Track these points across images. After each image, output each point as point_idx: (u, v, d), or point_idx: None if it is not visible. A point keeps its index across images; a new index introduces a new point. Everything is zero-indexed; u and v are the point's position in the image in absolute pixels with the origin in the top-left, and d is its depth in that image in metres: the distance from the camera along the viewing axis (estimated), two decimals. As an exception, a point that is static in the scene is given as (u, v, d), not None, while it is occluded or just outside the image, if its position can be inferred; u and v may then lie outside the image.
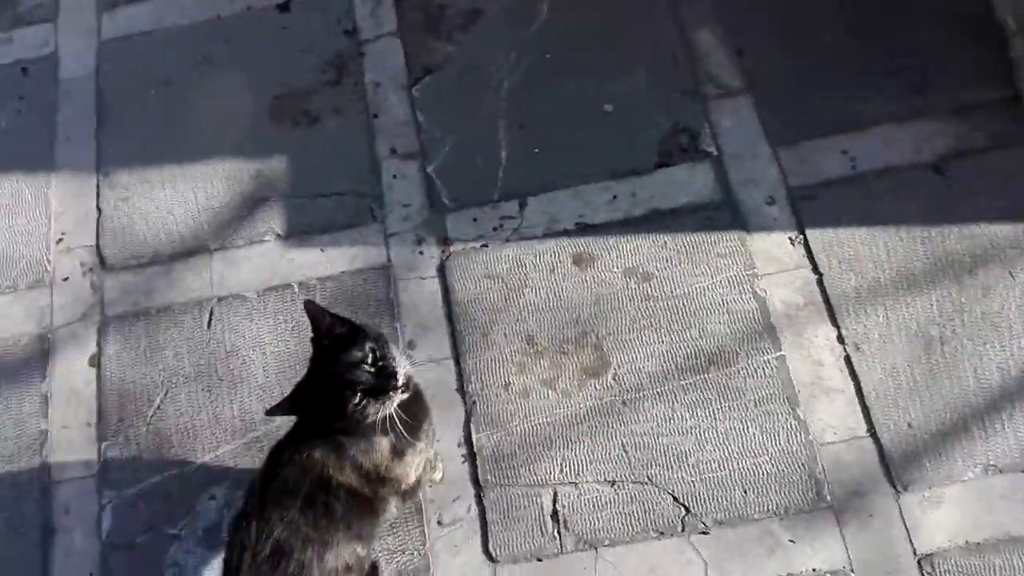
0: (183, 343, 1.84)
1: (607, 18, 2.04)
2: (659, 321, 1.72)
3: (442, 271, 1.84)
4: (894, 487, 1.53)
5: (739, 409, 1.63)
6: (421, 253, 1.86)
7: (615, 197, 1.84)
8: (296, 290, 1.87)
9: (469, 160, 1.92)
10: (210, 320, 1.86)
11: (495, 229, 1.85)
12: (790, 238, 1.76)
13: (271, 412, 1.29)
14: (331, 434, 1.28)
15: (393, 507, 1.41)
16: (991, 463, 1.53)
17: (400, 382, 1.24)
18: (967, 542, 1.48)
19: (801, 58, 1.92)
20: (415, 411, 1.34)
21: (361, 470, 1.32)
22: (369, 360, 1.24)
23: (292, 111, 2.04)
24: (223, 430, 1.75)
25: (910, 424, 1.57)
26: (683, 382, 1.66)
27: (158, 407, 1.79)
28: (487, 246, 1.84)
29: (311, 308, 1.29)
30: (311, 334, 1.29)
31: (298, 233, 1.92)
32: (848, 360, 1.64)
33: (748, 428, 1.61)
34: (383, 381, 1.23)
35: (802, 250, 1.74)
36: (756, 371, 1.65)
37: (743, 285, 1.72)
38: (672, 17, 2.01)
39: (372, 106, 2.02)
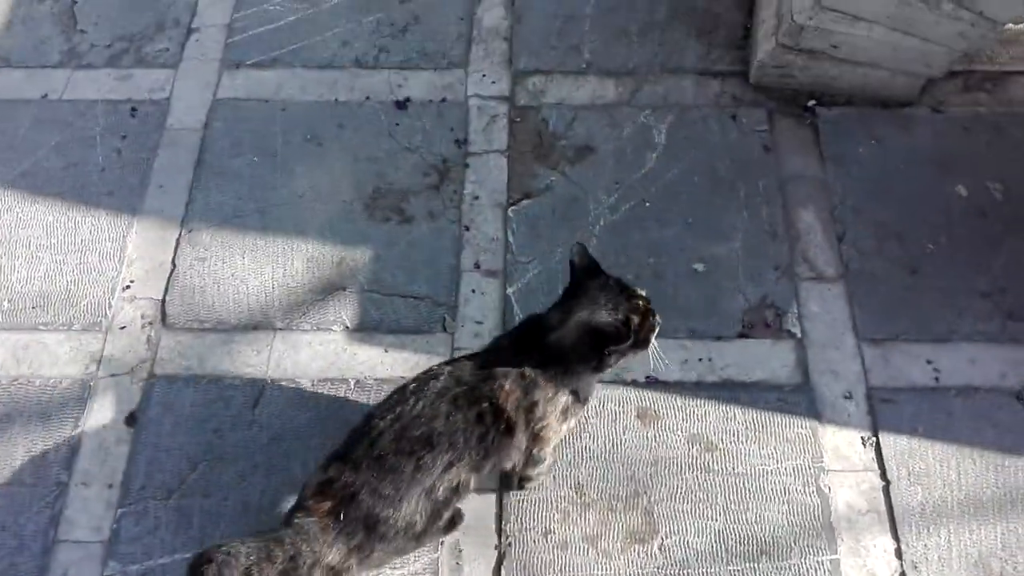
0: (227, 419, 2.06)
1: (714, 180, 2.37)
2: (716, 497, 1.93)
3: (504, 398, 2.10)
4: None
5: (786, 607, 1.82)
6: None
7: (690, 359, 2.11)
8: (351, 386, 2.13)
9: (551, 289, 2.19)
10: (258, 400, 2.10)
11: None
12: (862, 438, 1.99)
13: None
14: (530, 364, 1.63)
15: (513, 463, 1.74)
16: None
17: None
18: None
19: (902, 258, 2.20)
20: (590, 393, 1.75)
21: (531, 416, 1.65)
22: (633, 321, 1.61)
23: (387, 206, 2.38)
24: (248, 521, 1.93)
25: (960, 660, 1.75)
26: (732, 568, 1.85)
27: (186, 483, 1.98)
28: (554, 382, 2.11)
29: (580, 249, 1.71)
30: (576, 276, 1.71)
31: (366, 328, 2.19)
32: (904, 577, 1.84)
33: (793, 629, 1.80)
34: (641, 343, 1.64)
35: (873, 453, 1.97)
36: (809, 571, 1.84)
37: (808, 477, 1.94)
38: (778, 191, 2.34)
39: (466, 218, 2.35)
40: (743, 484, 1.94)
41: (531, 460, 1.79)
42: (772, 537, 1.88)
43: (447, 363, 1.71)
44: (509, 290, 2.23)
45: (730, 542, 1.88)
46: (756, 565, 1.85)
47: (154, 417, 2.07)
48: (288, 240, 2.33)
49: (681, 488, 1.95)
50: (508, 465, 1.74)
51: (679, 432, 2.01)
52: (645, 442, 2.00)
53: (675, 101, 2.51)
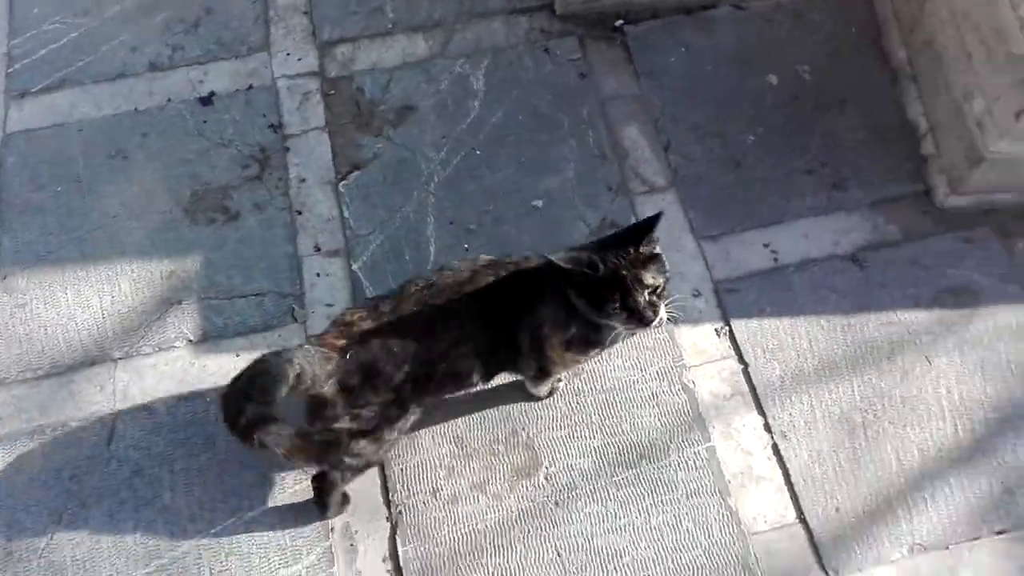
0: (82, 463, 2.15)
1: (538, 116, 2.61)
2: (590, 416, 2.17)
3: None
4: (825, 572, 1.97)
5: (672, 503, 2.06)
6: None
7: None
8: (208, 400, 2.26)
9: (397, 257, 2.39)
10: (111, 436, 2.19)
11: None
12: (716, 330, 2.27)
13: (553, 256, 1.70)
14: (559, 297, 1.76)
15: (520, 371, 2.00)
16: (917, 542, 1.99)
17: (655, 324, 1.69)
18: (899, 625, 1.93)
19: (726, 155, 2.50)
20: (602, 338, 1.82)
21: (538, 331, 1.83)
22: (653, 289, 1.67)
23: (209, 208, 2.50)
24: (125, 560, 2.04)
25: (838, 508, 2.03)
26: (616, 478, 2.09)
27: (54, 537, 2.06)
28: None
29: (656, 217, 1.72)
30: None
31: (211, 338, 2.31)
32: (776, 448, 2.11)
33: (681, 522, 2.04)
34: (648, 315, 1.66)
35: (728, 341, 2.25)
36: (687, 463, 2.10)
37: (672, 377, 2.21)
38: (601, 114, 2.60)
39: (296, 202, 2.50)
40: (613, 398, 2.18)
41: (538, 375, 2.03)
42: (649, 440, 2.13)
43: (496, 260, 1.89)
44: (354, 266, 2.40)
45: (611, 455, 2.12)
46: (638, 470, 2.09)
47: (4, 480, 2.14)
48: (110, 265, 2.42)
49: (556, 416, 2.17)
50: (517, 369, 1.99)
51: (546, 365, 2.25)
52: (513, 382, 2.22)
53: (488, 45, 2.74)
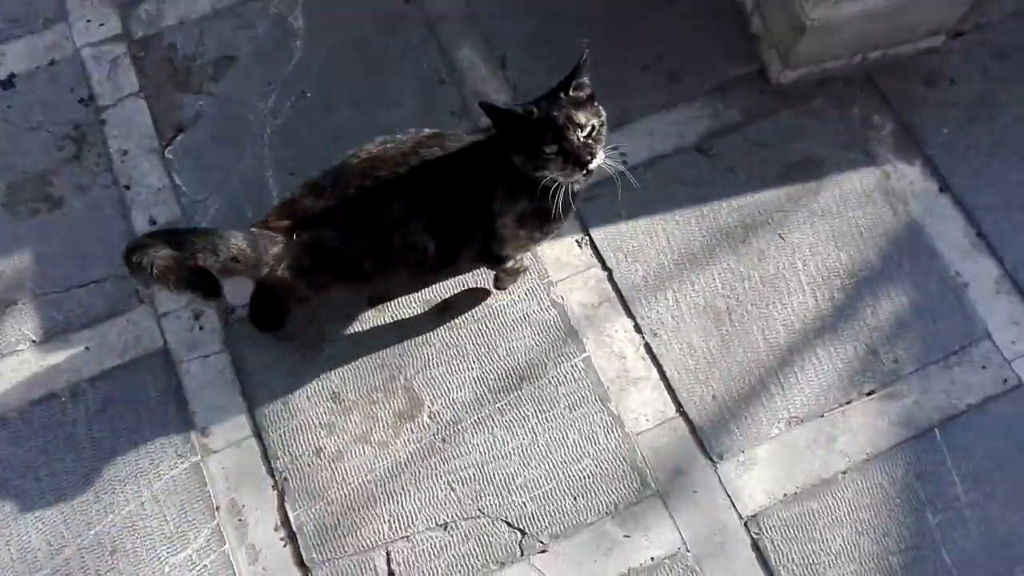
0: None
1: (366, 48, 2.48)
2: (465, 348, 2.13)
3: (228, 343, 2.16)
4: (710, 459, 2.02)
5: (556, 418, 2.06)
6: (201, 328, 2.18)
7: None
8: (66, 399, 2.12)
9: (239, 216, 2.25)
10: (-35, 456, 2.06)
11: (279, 287, 2.22)
12: (577, 241, 2.24)
13: (483, 104, 1.66)
14: (503, 163, 1.70)
15: (471, 248, 1.90)
16: (792, 416, 2.05)
17: (592, 166, 1.64)
18: (785, 495, 1.98)
19: (562, 63, 2.44)
20: (554, 208, 1.72)
21: (490, 205, 1.78)
22: (588, 131, 1.64)
23: (30, 197, 2.30)
24: None
25: (714, 396, 2.08)
26: (499, 404, 2.07)
27: None
28: (273, 306, 2.20)
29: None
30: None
31: (56, 334, 2.15)
32: (648, 347, 2.12)
33: (568, 435, 2.04)
34: (584, 156, 1.62)
35: (590, 250, 2.23)
36: (566, 377, 2.09)
37: (541, 295, 2.18)
38: (432, 37, 2.49)
39: (122, 177, 2.32)
40: (485, 326, 2.15)
41: (493, 256, 1.94)
42: (526, 361, 2.11)
43: (439, 132, 1.84)
44: (197, 235, 2.26)
45: (490, 382, 2.09)
46: (520, 392, 2.07)
47: None
48: (-77, 277, 2.22)
49: (431, 354, 2.12)
50: (467, 246, 1.91)
51: (414, 304, 2.19)
52: (384, 325, 2.16)
53: (303, -21, 2.58)
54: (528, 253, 2.09)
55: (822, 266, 2.18)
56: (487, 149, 1.76)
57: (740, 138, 2.33)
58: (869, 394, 2.07)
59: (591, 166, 1.65)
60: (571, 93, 1.68)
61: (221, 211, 2.27)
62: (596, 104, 1.70)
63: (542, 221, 1.82)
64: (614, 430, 2.04)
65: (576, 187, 1.73)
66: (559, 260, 2.22)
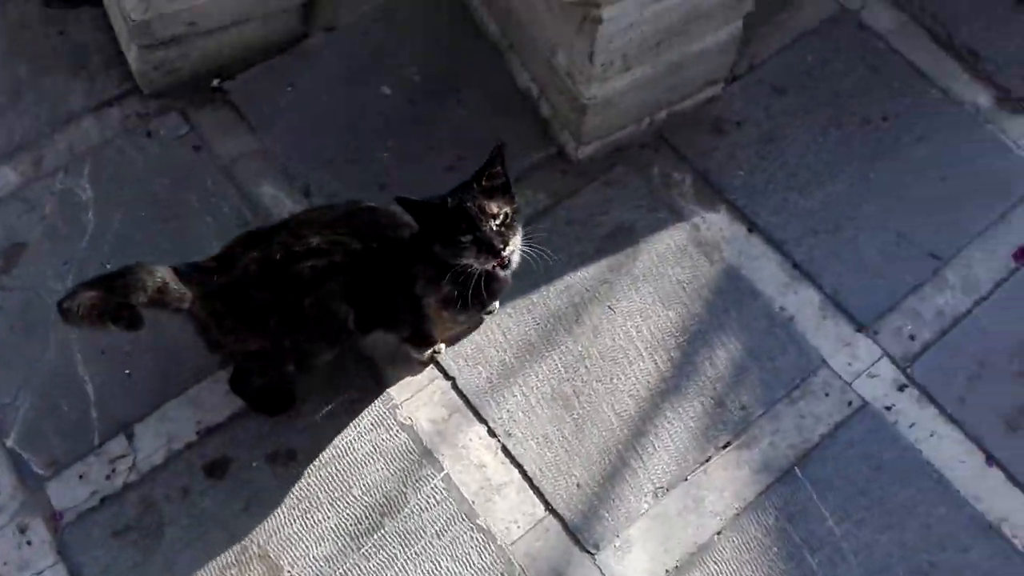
0: None
1: (161, 204, 2.37)
2: (318, 496, 2.01)
3: (63, 553, 1.98)
4: (587, 551, 1.95)
5: (426, 549, 1.95)
6: (29, 543, 1.98)
7: (229, 391, 2.15)
8: None
9: (53, 412, 2.09)
10: None
11: (108, 477, 2.04)
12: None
13: (400, 200, 1.75)
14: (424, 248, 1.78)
15: (407, 329, 2.03)
16: (658, 486, 2.02)
17: (506, 253, 1.73)
18: (667, 570, 1.95)
19: (367, 179, 2.40)
20: (482, 290, 1.79)
21: (410, 285, 1.86)
22: (501, 219, 1.73)
23: None
24: None
25: (579, 484, 2.02)
26: (363, 550, 1.95)
27: None
28: (106, 500, 2.02)
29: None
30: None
31: None
32: (505, 449, 2.06)
33: (440, 564, 1.94)
34: (496, 244, 1.70)
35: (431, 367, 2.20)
36: (428, 502, 2.00)
37: (388, 421, 2.10)
38: (229, 180, 2.41)
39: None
40: (335, 469, 2.04)
41: (417, 338, 2.06)
42: (384, 496, 2.01)
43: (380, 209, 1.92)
44: (8, 442, 2.07)
45: (351, 528, 1.98)
46: (383, 531, 1.97)
47: None
48: None
49: (282, 513, 1.99)
50: (394, 327, 2.03)
51: (255, 463, 2.05)
52: (227, 492, 2.01)
53: (83, 149, 2.45)
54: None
55: (655, 328, 2.19)
56: (408, 242, 1.85)
57: (552, 220, 2.34)
58: (725, 447, 2.06)
59: (504, 253, 1.73)
60: (484, 183, 1.76)
61: (33, 410, 2.11)
62: (511, 192, 1.79)
63: (464, 303, 1.83)
64: (487, 546, 1.96)
65: (502, 273, 1.82)
66: (401, 380, 2.15)
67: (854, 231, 2.32)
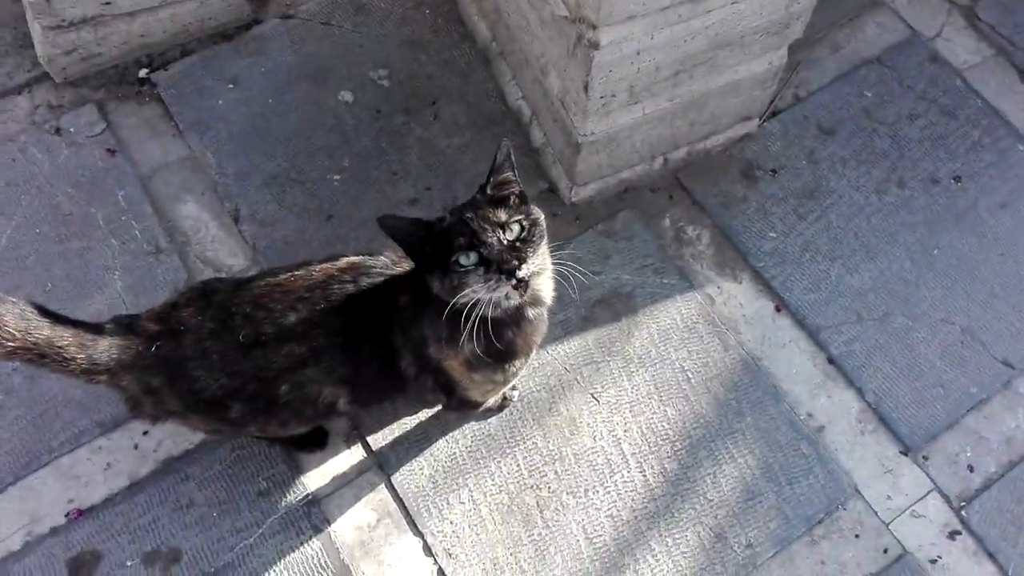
0: None
1: (62, 220, 1.93)
2: (203, 614, 1.61)
3: None
4: None
5: None
6: None
7: (112, 462, 1.73)
8: None
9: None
10: None
11: (-54, 566, 1.65)
12: (343, 437, 1.76)
13: (383, 219, 1.26)
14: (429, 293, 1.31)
15: (438, 398, 1.58)
16: (630, 638, 1.60)
17: (523, 274, 1.23)
18: None
19: (312, 207, 1.94)
20: (512, 340, 1.37)
21: (423, 349, 1.40)
22: (515, 230, 1.25)
23: None
24: None
25: (532, 630, 1.61)
26: None
27: None
28: (-59, 600, 1.63)
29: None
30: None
31: None
32: (442, 574, 1.64)
33: None
34: (509, 261, 1.22)
35: (360, 450, 1.75)
36: (337, 636, 1.59)
37: (300, 523, 1.67)
38: (144, 195, 1.95)
39: None
40: (228, 579, 1.63)
41: (458, 403, 1.60)
42: (285, 622, 1.60)
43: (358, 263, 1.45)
44: None
45: (237, 661, 1.57)
46: (277, 670, 1.56)
47: None
48: None
49: (156, 631, 1.59)
50: (417, 399, 1.67)
51: (131, 561, 1.63)
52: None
53: (-21, 146, 2.04)
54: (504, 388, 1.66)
55: (647, 429, 1.74)
56: (405, 283, 1.41)
57: (534, 274, 1.88)
58: (724, 594, 1.62)
59: (521, 274, 1.23)
60: (490, 192, 1.31)
61: None
62: (527, 203, 1.33)
63: (494, 356, 1.39)
64: None
65: (530, 313, 1.36)
66: (323, 467, 1.72)
67: (909, 321, 1.85)
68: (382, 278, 1.42)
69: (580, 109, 1.64)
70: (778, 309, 1.86)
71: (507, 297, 1.27)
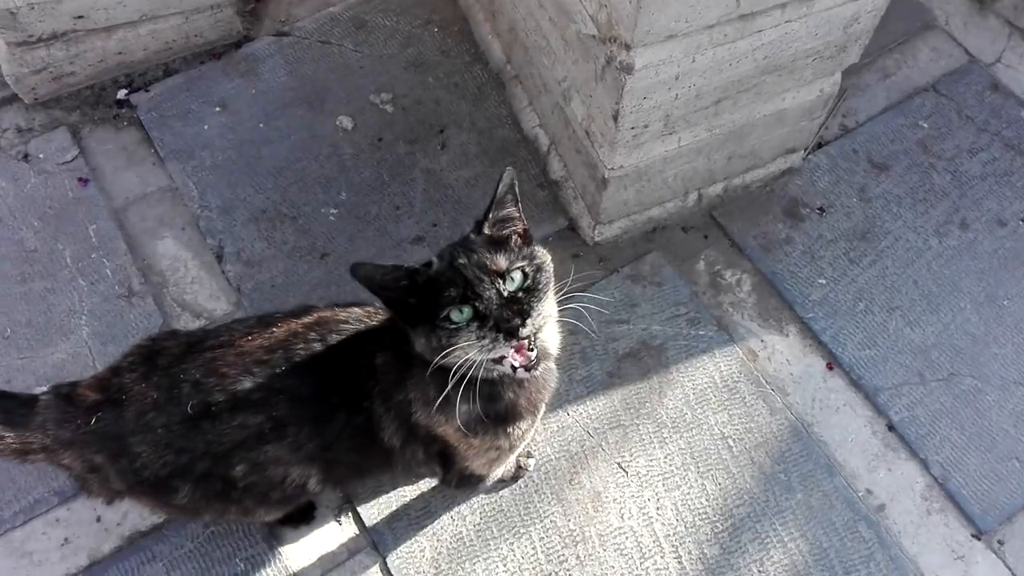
0: None
1: (26, 257, 1.73)
2: None
3: None
4: None
5: None
6: None
7: (70, 537, 1.52)
8: None
9: None
10: None
11: None
12: (335, 514, 1.54)
13: (356, 268, 1.06)
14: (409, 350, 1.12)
15: (432, 470, 1.34)
16: None
17: (526, 333, 1.03)
18: None
19: (304, 245, 1.74)
20: (513, 401, 1.18)
21: (409, 414, 1.20)
22: (517, 279, 1.06)
23: None
24: None
25: None
26: None
27: None
28: None
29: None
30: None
31: None
32: None
33: None
34: (509, 320, 1.02)
35: (354, 527, 1.53)
36: None
37: (282, 612, 1.47)
38: (118, 230, 1.76)
39: None
40: None
41: (459, 479, 1.36)
42: None
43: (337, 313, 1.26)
44: None
45: None
46: None
47: None
48: None
49: None
50: (405, 473, 1.44)
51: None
52: None
53: (-63, 177, 1.85)
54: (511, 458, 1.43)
55: (682, 506, 1.52)
56: (396, 330, 1.18)
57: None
58: None
59: (524, 332, 1.03)
60: (488, 231, 1.11)
61: None
62: (532, 243, 1.14)
63: (493, 421, 1.19)
64: None
65: (522, 371, 1.11)
66: (310, 546, 1.51)
67: (978, 383, 1.63)
68: (355, 333, 1.21)
69: (607, 140, 1.44)
70: (830, 367, 1.64)
71: (502, 358, 1.07)
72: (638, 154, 1.49)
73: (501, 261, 1.06)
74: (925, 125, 1.90)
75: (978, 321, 1.69)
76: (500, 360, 1.07)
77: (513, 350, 1.05)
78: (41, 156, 1.86)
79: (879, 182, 1.83)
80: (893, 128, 1.90)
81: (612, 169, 1.50)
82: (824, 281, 1.72)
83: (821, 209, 1.79)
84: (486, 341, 1.03)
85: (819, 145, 1.86)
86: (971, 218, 1.79)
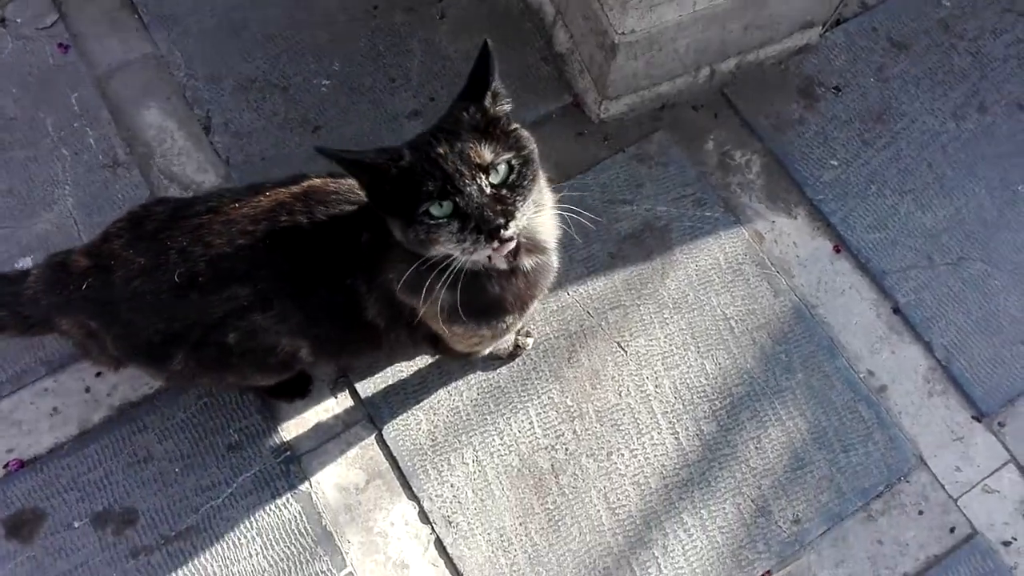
0: None
1: (7, 117, 1.68)
2: (163, 583, 1.42)
3: None
4: None
5: None
6: None
7: (59, 407, 1.51)
8: None
9: None
10: None
11: None
12: (329, 386, 1.54)
13: (324, 151, 1.01)
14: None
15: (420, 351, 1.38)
16: (659, 623, 1.41)
17: (510, 233, 0.99)
18: None
19: (296, 116, 1.69)
20: (499, 295, 1.15)
21: (389, 297, 1.18)
22: (502, 172, 1.01)
23: None
24: None
25: (542, 613, 1.41)
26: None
27: None
28: None
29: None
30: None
31: None
32: (440, 545, 1.42)
33: None
34: (489, 216, 0.97)
35: (348, 399, 1.53)
36: (318, 615, 1.40)
37: (277, 483, 1.47)
38: (101, 99, 1.70)
39: None
40: (187, 544, 1.41)
41: (445, 352, 1.40)
42: (258, 597, 1.40)
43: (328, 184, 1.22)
44: None
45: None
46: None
47: None
48: None
49: (108, 602, 1.40)
50: (390, 355, 1.48)
51: (79, 521, 1.43)
52: (37, 568, 1.42)
53: (-90, 35, 1.77)
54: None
55: (681, 385, 1.52)
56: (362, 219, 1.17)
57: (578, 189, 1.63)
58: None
59: (508, 233, 0.99)
60: (468, 114, 1.02)
61: None
62: (514, 128, 1.05)
63: (476, 311, 1.17)
64: None
65: (526, 263, 1.12)
66: (304, 419, 1.51)
67: (987, 267, 1.61)
68: (343, 208, 1.17)
69: (619, 1, 1.37)
70: (837, 250, 1.62)
71: (488, 257, 1.03)
72: (651, 17, 1.43)
73: (486, 152, 1.00)
74: (948, 3, 1.83)
75: (991, 206, 1.66)
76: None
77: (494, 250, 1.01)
78: (19, 20, 1.78)
79: (897, 62, 1.77)
80: (914, 6, 1.82)
81: (623, 34, 1.43)
82: (836, 163, 1.68)
83: (836, 88, 1.74)
84: (467, 243, 0.99)
85: (837, 22, 1.79)
86: (990, 101, 1.74)
